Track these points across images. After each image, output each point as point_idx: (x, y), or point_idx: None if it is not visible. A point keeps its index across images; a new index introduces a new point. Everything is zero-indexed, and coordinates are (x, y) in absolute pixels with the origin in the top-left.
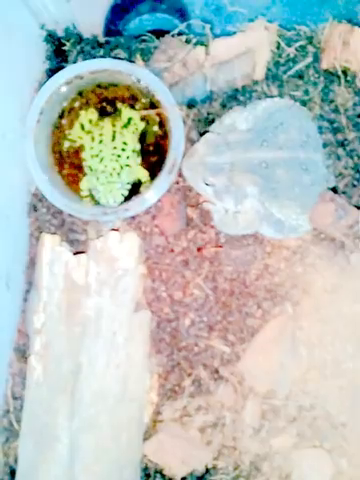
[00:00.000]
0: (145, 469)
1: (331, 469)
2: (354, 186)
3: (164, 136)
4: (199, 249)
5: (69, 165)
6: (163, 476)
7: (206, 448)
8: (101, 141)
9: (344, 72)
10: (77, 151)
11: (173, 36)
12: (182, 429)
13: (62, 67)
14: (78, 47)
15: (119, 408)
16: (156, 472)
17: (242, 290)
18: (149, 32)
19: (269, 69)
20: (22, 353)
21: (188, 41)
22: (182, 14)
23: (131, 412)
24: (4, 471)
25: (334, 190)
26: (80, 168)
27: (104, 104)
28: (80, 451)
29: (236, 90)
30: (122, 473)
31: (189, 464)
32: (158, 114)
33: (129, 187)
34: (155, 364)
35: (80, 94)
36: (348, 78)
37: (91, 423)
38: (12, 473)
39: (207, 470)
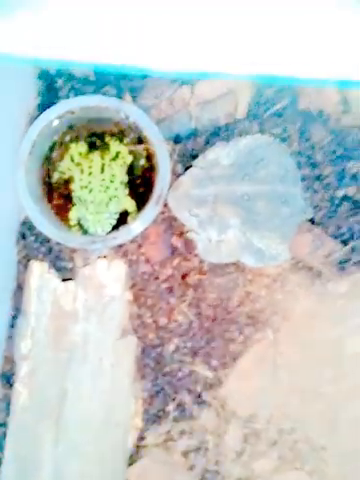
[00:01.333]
0: None
1: None
2: (330, 217)
3: (151, 169)
4: (183, 276)
5: (58, 195)
6: None
7: (189, 473)
8: (90, 173)
9: (319, 113)
10: (67, 182)
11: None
12: (166, 454)
13: (53, 102)
14: (69, 84)
15: (104, 434)
16: None
17: (225, 316)
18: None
19: (250, 108)
20: (7, 379)
21: (175, 80)
22: None
23: (116, 438)
24: None
25: (311, 221)
26: (69, 198)
27: (94, 138)
28: (64, 478)
29: (219, 128)
30: None
31: None
32: (145, 148)
33: (117, 217)
34: (139, 389)
35: (71, 128)
36: (323, 118)
37: (76, 449)
38: None
39: None
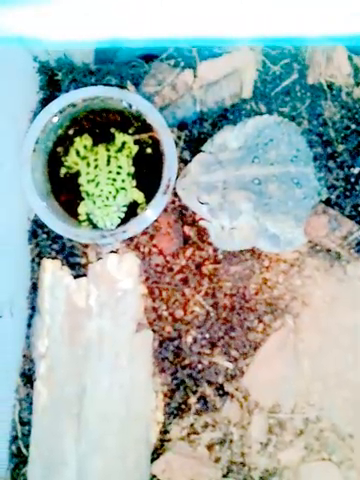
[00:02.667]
0: None
1: None
2: (346, 197)
3: (158, 158)
4: (198, 266)
5: (66, 191)
6: None
7: (215, 465)
8: (96, 166)
9: (329, 86)
10: (73, 177)
11: (162, 60)
12: (190, 447)
13: (56, 96)
14: (70, 76)
15: (125, 429)
16: None
17: (242, 305)
18: (139, 58)
19: (256, 87)
20: (28, 378)
21: (176, 64)
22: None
23: (137, 432)
24: None
25: (327, 202)
26: (77, 193)
27: (98, 130)
28: (88, 474)
29: (225, 110)
30: None
31: None
32: (151, 137)
33: (125, 209)
34: (159, 383)
35: (74, 121)
36: (334, 92)
37: (98, 445)
38: None
39: None
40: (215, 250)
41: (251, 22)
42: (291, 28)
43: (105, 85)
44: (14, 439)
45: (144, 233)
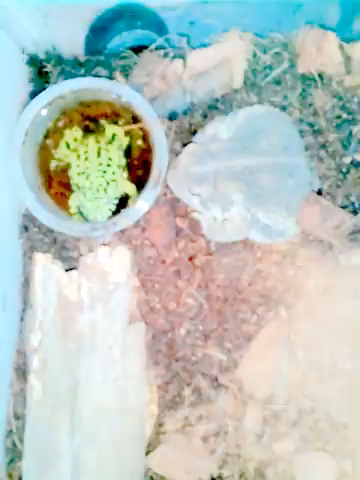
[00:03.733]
0: None
1: (335, 471)
2: (338, 187)
3: (148, 149)
4: (190, 258)
5: (57, 184)
6: None
7: (210, 457)
8: (87, 158)
9: (320, 76)
10: (64, 169)
11: (151, 51)
12: (185, 439)
13: (45, 88)
14: (59, 68)
15: (119, 422)
16: None
17: (235, 296)
18: (129, 48)
19: (247, 77)
20: (22, 372)
21: (166, 55)
22: (160, 29)
23: (132, 425)
24: None
25: (319, 192)
26: (68, 186)
27: (87, 122)
28: (83, 468)
29: (216, 100)
30: None
31: (194, 474)
32: (141, 128)
33: (116, 202)
34: (153, 376)
35: (63, 113)
36: (325, 81)
37: (92, 439)
38: None
39: (212, 479)
40: (207, 242)
41: None
42: None
43: (94, 76)
44: (8, 433)
45: (136, 225)
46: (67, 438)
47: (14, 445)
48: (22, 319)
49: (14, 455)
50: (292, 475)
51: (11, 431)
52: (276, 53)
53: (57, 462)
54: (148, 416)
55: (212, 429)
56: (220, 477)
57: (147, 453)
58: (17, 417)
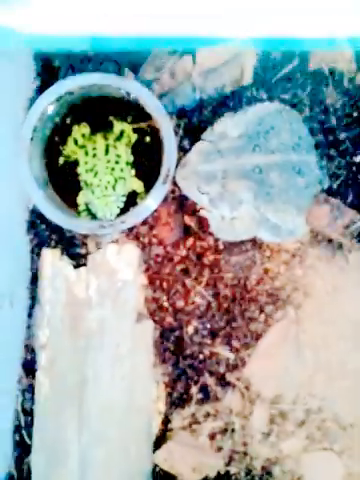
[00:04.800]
0: (157, 478)
1: (342, 471)
2: (348, 186)
3: (157, 147)
4: (198, 257)
5: (64, 181)
6: None
7: (217, 455)
8: (95, 155)
9: (331, 72)
10: (72, 166)
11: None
12: (192, 437)
13: (52, 84)
14: (67, 63)
15: (127, 419)
16: None
17: (244, 295)
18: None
19: (257, 74)
20: (30, 369)
21: (175, 51)
22: None
23: (139, 423)
24: None
25: (328, 191)
26: (76, 183)
27: (96, 118)
28: (90, 465)
29: (225, 97)
30: None
31: (201, 471)
32: (149, 125)
33: (124, 199)
34: (161, 374)
35: (71, 109)
36: (336, 78)
37: (100, 436)
38: None
39: (219, 476)
40: (216, 240)
41: (246, 23)
42: (287, 30)
43: (103, 72)
44: (17, 428)
45: (144, 223)
46: (74, 435)
47: (23, 440)
48: (30, 315)
49: (23, 450)
50: (298, 474)
51: (20, 426)
52: (286, 50)
53: (65, 458)
54: (155, 413)
55: (219, 427)
56: (227, 474)
57: (154, 450)
58: (25, 412)
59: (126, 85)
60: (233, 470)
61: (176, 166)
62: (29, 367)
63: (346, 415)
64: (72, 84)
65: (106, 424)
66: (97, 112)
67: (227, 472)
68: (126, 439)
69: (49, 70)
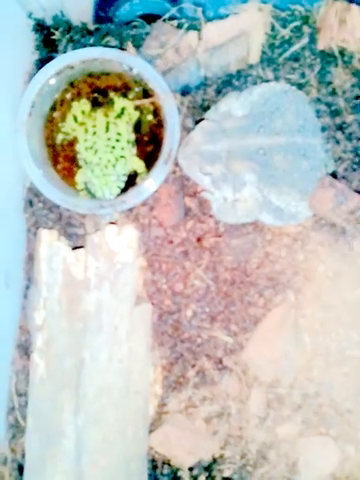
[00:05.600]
0: (152, 461)
1: (337, 456)
2: (354, 170)
3: (159, 125)
4: (199, 239)
5: (63, 158)
6: (170, 467)
7: (212, 438)
8: (95, 133)
9: (341, 52)
10: (71, 144)
11: (164, 21)
12: (188, 420)
13: (52, 57)
14: (67, 36)
15: (124, 402)
16: (163, 463)
17: (243, 279)
18: (140, 17)
19: (264, 52)
20: (24, 350)
21: (180, 26)
22: None
23: (136, 405)
24: (12, 467)
25: (334, 175)
26: (75, 161)
27: (96, 94)
28: (86, 446)
29: (231, 75)
30: (129, 466)
31: (196, 454)
32: (152, 103)
33: (125, 179)
34: (158, 356)
35: (71, 85)
36: (345, 58)
37: (96, 418)
38: (20, 469)
39: (214, 460)
40: (217, 223)
41: None
42: None
43: (104, 46)
44: (11, 410)
45: (144, 204)
46: (71, 416)
47: (17, 421)
48: (25, 296)
49: (16, 431)
50: (293, 458)
51: (13, 408)
52: (296, 27)
53: (60, 439)
54: (152, 396)
55: (215, 411)
56: (221, 458)
57: (150, 433)
58: (19, 394)
59: (128, 60)
60: (228, 454)
61: (178, 146)
62: (23, 348)
63: (343, 400)
64: (73, 58)
65: (103, 406)
66: (98, 88)
67: (222, 455)
68: (123, 421)
69: (49, 43)
